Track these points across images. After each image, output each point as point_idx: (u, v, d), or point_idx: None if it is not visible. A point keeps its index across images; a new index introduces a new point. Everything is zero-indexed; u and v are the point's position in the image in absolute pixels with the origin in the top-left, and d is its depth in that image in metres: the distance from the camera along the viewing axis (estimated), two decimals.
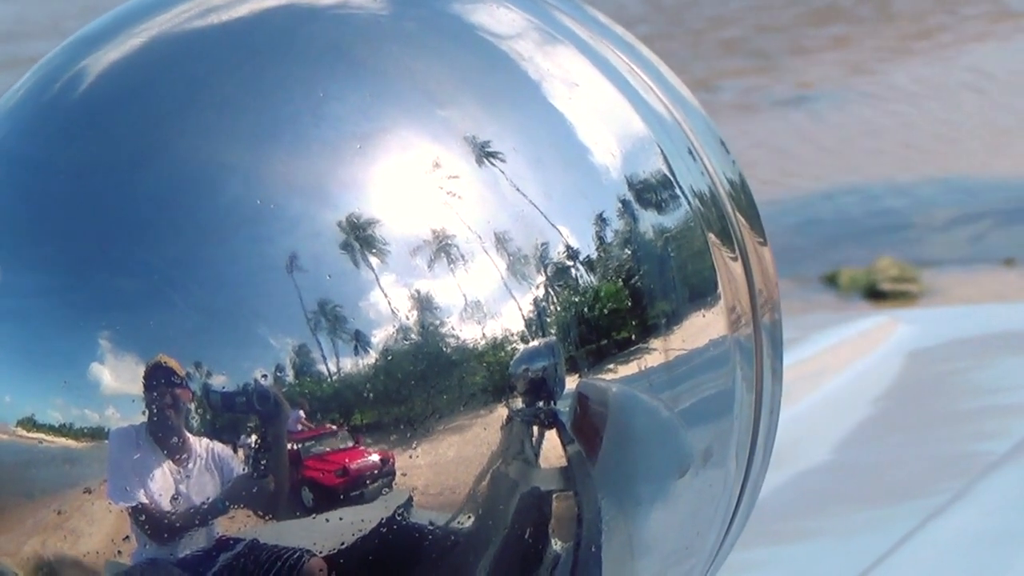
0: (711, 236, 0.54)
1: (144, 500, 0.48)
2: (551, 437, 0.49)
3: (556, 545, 0.50)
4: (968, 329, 1.52)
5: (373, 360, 0.47)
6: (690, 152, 0.54)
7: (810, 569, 0.85)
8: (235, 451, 0.48)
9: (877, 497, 1.01)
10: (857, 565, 0.81)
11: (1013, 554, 0.85)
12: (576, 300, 0.50)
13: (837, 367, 1.26)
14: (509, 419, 0.49)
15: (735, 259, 0.54)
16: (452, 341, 0.48)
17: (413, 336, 0.48)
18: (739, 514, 0.56)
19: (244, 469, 0.47)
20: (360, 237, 0.48)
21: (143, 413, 0.47)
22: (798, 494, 0.97)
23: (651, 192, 0.52)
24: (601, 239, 0.50)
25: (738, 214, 0.55)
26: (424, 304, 0.48)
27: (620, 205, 0.51)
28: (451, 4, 0.53)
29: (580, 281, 0.50)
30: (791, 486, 0.94)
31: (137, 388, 0.47)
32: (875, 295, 5.76)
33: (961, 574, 0.83)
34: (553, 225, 0.49)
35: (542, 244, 0.49)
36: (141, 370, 0.47)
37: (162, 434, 0.47)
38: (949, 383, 1.31)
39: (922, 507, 0.90)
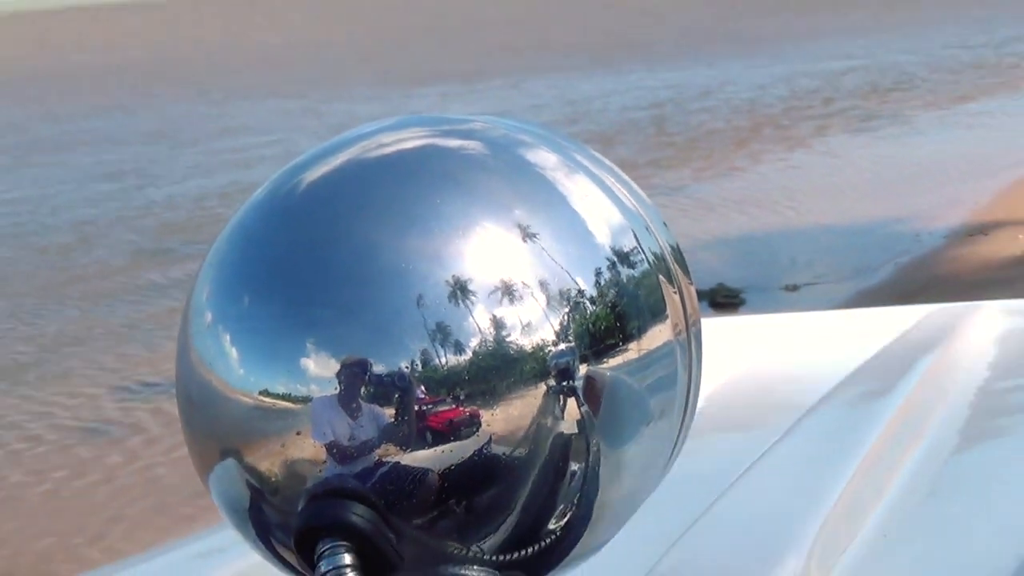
0: (661, 278, 0.66)
1: (333, 439, 0.61)
2: (571, 402, 0.62)
3: (574, 466, 0.63)
4: None
5: (468, 359, 0.61)
6: (646, 229, 0.66)
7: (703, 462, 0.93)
8: (387, 410, 0.61)
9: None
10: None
11: (830, 474, 0.96)
12: (584, 321, 0.62)
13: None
14: (547, 391, 0.62)
15: (675, 292, 0.67)
16: (514, 347, 0.61)
17: (491, 344, 0.61)
18: (677, 447, 0.68)
19: (392, 420, 0.61)
20: (460, 286, 0.61)
21: (334, 389, 0.61)
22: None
23: (626, 255, 0.64)
24: (599, 284, 0.63)
25: (675, 264, 0.67)
26: (497, 325, 0.61)
27: (609, 263, 0.64)
28: (514, 148, 0.65)
29: (587, 309, 0.62)
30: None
31: (330, 374, 0.61)
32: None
33: (796, 489, 0.95)
34: (571, 277, 0.63)
35: (564, 288, 0.62)
36: (333, 363, 0.61)
37: (345, 401, 0.61)
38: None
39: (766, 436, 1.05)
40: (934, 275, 9.62)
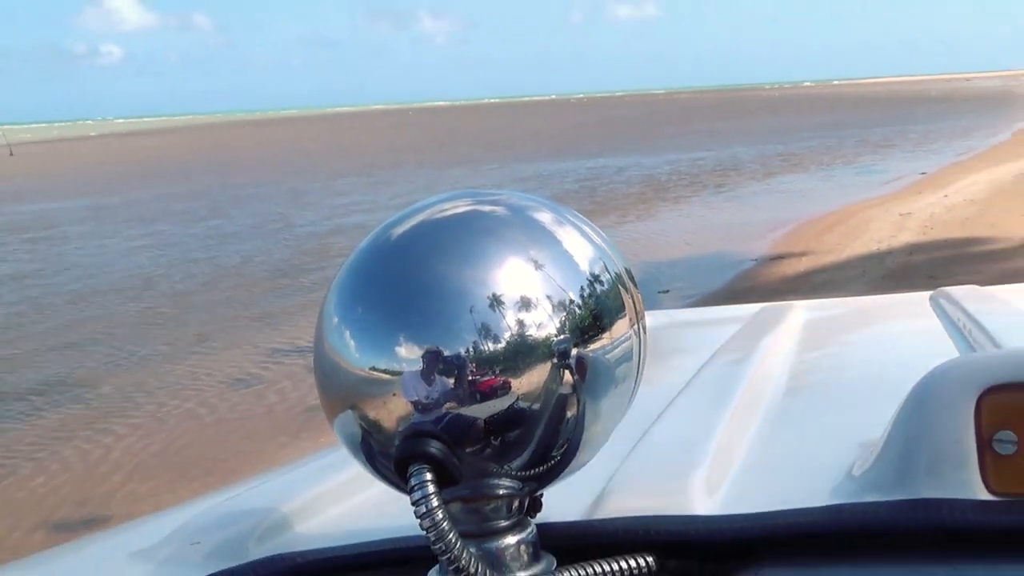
0: (620, 288, 0.62)
1: (418, 398, 0.57)
2: (567, 373, 0.59)
3: (568, 414, 0.60)
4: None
5: (503, 346, 0.57)
6: (610, 258, 0.62)
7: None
8: (449, 379, 0.57)
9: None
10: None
11: (714, 414, 0.92)
12: (575, 320, 0.59)
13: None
14: (552, 367, 0.58)
15: (630, 299, 0.62)
16: (531, 339, 0.58)
17: (517, 337, 0.57)
18: (632, 399, 0.64)
19: (454, 386, 0.57)
20: (495, 299, 0.57)
21: (418, 366, 0.57)
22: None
23: (599, 275, 0.61)
24: (582, 296, 0.59)
25: (629, 278, 0.63)
26: (520, 324, 0.58)
27: (588, 282, 0.60)
28: (528, 210, 0.62)
29: (576, 313, 0.59)
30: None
31: (416, 356, 0.57)
32: None
33: (694, 424, 0.91)
34: (566, 292, 0.59)
35: (562, 299, 0.59)
36: (417, 350, 0.56)
37: (425, 374, 0.57)
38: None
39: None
40: (752, 284, 9.76)
